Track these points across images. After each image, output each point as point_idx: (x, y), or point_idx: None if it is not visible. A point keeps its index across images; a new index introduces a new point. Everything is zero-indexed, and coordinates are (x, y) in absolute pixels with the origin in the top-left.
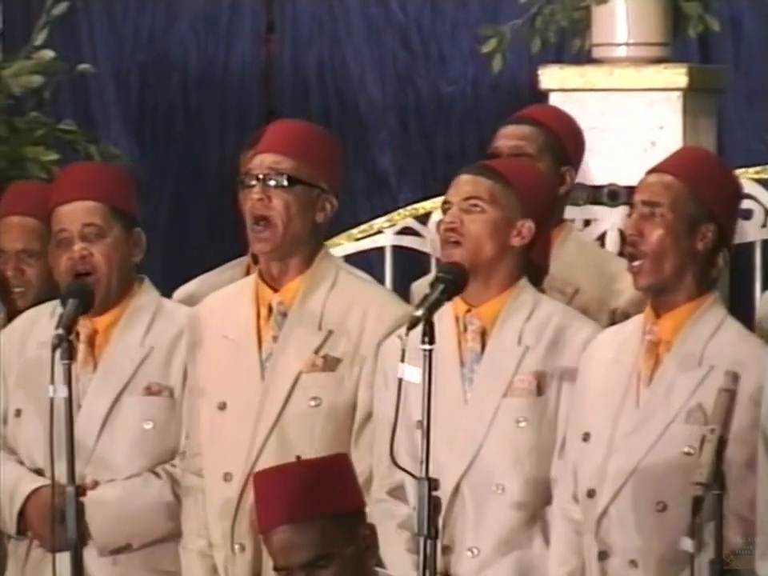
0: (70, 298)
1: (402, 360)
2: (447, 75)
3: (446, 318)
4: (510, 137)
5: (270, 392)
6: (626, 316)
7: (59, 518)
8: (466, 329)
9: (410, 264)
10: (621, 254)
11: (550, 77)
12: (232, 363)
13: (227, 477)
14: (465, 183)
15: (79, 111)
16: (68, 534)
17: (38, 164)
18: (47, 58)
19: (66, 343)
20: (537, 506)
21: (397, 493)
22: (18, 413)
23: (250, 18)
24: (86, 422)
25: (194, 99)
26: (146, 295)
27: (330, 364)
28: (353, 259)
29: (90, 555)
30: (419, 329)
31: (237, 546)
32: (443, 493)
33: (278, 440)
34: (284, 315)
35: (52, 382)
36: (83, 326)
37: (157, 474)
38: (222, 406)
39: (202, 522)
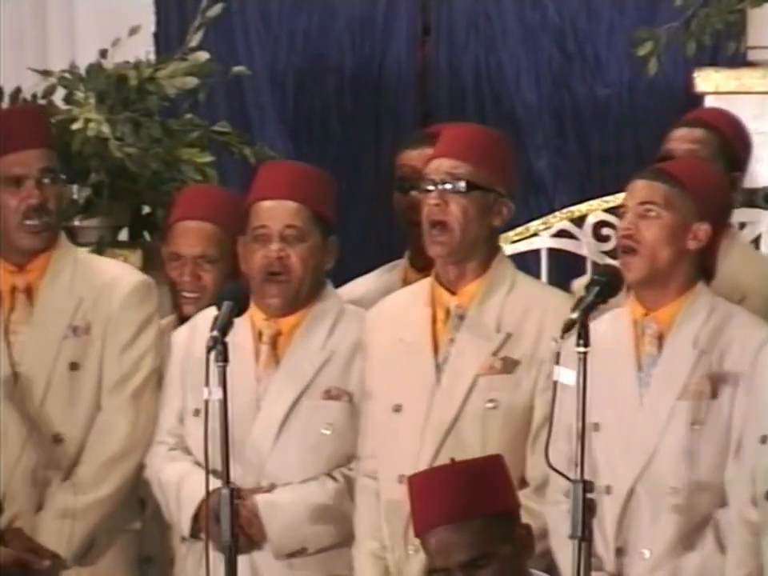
0: (225, 300)
1: (557, 363)
2: (603, 78)
3: (624, 321)
4: (683, 140)
5: (447, 394)
6: None
7: (214, 520)
8: (643, 332)
9: (565, 267)
10: None
11: (705, 80)
12: (407, 366)
13: (401, 479)
14: (640, 188)
15: (235, 113)
16: (222, 537)
17: (192, 166)
18: (202, 59)
19: (221, 345)
20: (709, 509)
21: None
22: (197, 413)
23: (406, 19)
24: (264, 423)
25: (350, 101)
26: (330, 299)
27: (509, 366)
28: None
29: (265, 558)
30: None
31: (410, 548)
32: (617, 496)
33: (453, 442)
34: (461, 318)
35: (207, 384)
36: (267, 327)
37: (333, 478)
38: (398, 409)
39: (375, 524)
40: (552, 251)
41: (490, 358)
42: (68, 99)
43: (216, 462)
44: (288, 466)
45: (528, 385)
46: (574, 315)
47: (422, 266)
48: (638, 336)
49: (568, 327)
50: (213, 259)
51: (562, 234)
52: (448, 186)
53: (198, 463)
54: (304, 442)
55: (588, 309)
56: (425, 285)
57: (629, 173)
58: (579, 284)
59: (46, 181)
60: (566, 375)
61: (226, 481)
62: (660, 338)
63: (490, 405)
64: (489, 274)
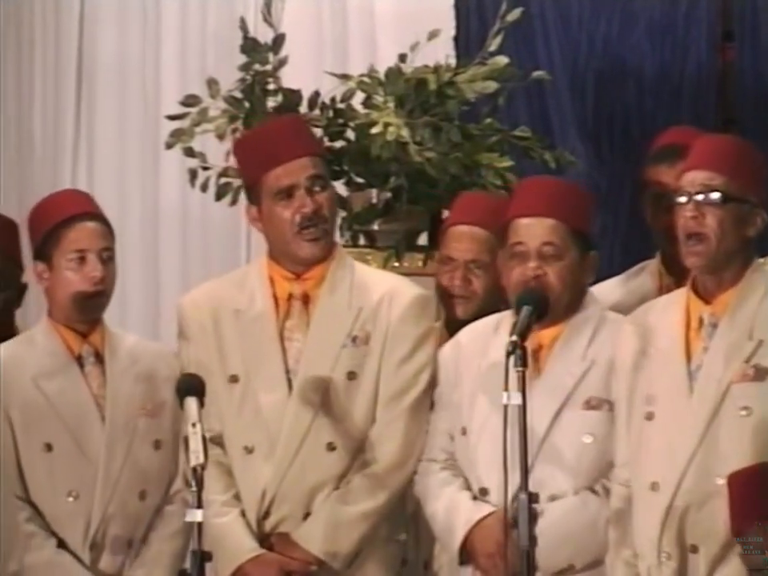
0: (524, 305)
1: None
2: None
3: None
4: None
5: (700, 402)
6: None
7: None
8: None
9: None
10: None
11: None
12: (662, 374)
13: (654, 486)
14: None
15: (535, 117)
16: (520, 542)
17: (492, 171)
18: (501, 63)
19: (520, 350)
20: None
21: None
22: (464, 431)
23: (706, 24)
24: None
25: (650, 106)
26: (590, 308)
27: (761, 374)
28: None
29: None
30: None
31: (663, 555)
32: None
33: (706, 450)
34: (714, 326)
35: (506, 389)
36: (529, 341)
37: (595, 492)
38: (650, 416)
39: (628, 533)
40: None
41: (743, 365)
42: (367, 103)
43: (485, 479)
44: (549, 477)
45: None
46: None
47: (676, 269)
48: None
49: None
50: (484, 265)
51: None
52: (702, 198)
53: (468, 488)
54: (566, 453)
55: None
56: (680, 293)
57: None
58: None
59: (317, 188)
60: None
61: (524, 486)
62: None
63: (744, 413)
64: (743, 282)
